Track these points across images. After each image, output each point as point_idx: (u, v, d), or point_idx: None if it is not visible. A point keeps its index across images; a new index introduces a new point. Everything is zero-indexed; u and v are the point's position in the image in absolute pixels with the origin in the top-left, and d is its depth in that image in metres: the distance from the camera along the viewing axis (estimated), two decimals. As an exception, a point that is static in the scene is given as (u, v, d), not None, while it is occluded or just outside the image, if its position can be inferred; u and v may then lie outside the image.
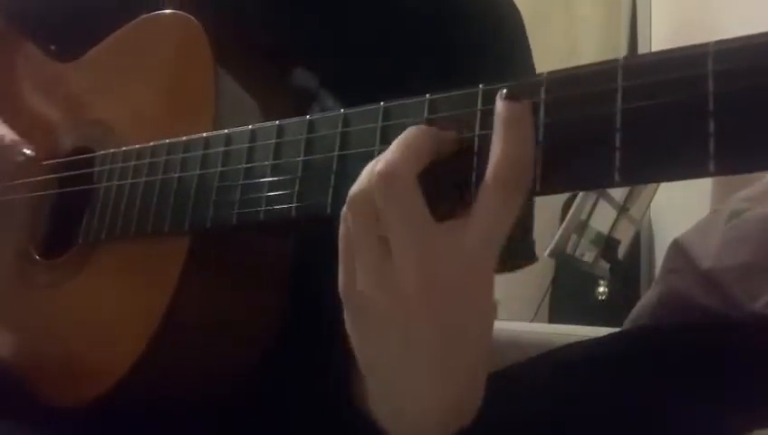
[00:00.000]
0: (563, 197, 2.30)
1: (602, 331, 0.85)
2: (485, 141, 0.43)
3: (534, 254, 0.74)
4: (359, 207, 0.43)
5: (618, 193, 1.95)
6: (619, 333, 0.69)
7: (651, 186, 2.00)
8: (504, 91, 0.43)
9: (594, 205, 1.93)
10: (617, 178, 0.39)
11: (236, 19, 0.66)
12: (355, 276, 0.43)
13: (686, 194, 1.99)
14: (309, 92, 0.66)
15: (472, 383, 0.45)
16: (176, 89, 0.66)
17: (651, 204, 2.08)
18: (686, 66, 0.37)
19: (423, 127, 0.44)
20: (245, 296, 0.62)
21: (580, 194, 1.92)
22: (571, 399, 0.55)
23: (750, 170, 0.35)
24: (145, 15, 0.69)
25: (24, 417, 0.61)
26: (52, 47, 0.80)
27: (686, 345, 0.54)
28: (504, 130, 0.42)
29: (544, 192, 0.42)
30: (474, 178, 0.43)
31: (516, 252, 0.71)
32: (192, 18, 0.64)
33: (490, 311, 0.43)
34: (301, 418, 0.55)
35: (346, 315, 0.45)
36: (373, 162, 0.43)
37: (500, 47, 0.68)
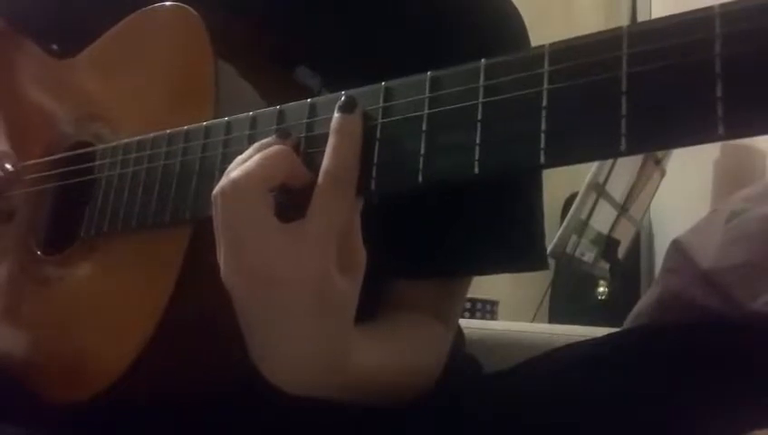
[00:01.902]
0: (563, 196, 2.31)
1: (602, 331, 0.85)
2: (491, 107, 0.43)
3: (546, 262, 0.74)
4: (215, 204, 0.49)
5: (618, 193, 1.95)
6: (619, 332, 0.69)
7: (651, 186, 2.00)
8: (342, 100, 0.48)
9: (594, 205, 1.93)
10: (623, 145, 0.38)
11: (239, 15, 0.66)
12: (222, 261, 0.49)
13: (686, 194, 1.99)
14: (311, 91, 0.66)
15: (325, 337, 0.50)
16: (175, 81, 0.66)
17: (651, 204, 2.09)
18: (692, 30, 0.37)
19: (286, 149, 0.49)
20: None
21: (580, 194, 1.92)
22: (572, 399, 0.55)
23: (761, 133, 0.35)
24: (144, 8, 0.68)
25: (24, 417, 0.61)
26: (54, 46, 0.80)
27: (686, 345, 0.54)
28: (332, 138, 0.48)
29: (550, 165, 0.41)
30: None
31: (526, 260, 0.71)
32: (191, 10, 0.63)
33: (328, 293, 0.48)
34: (301, 413, 0.55)
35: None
36: (233, 165, 0.49)
37: (503, 51, 0.68)
